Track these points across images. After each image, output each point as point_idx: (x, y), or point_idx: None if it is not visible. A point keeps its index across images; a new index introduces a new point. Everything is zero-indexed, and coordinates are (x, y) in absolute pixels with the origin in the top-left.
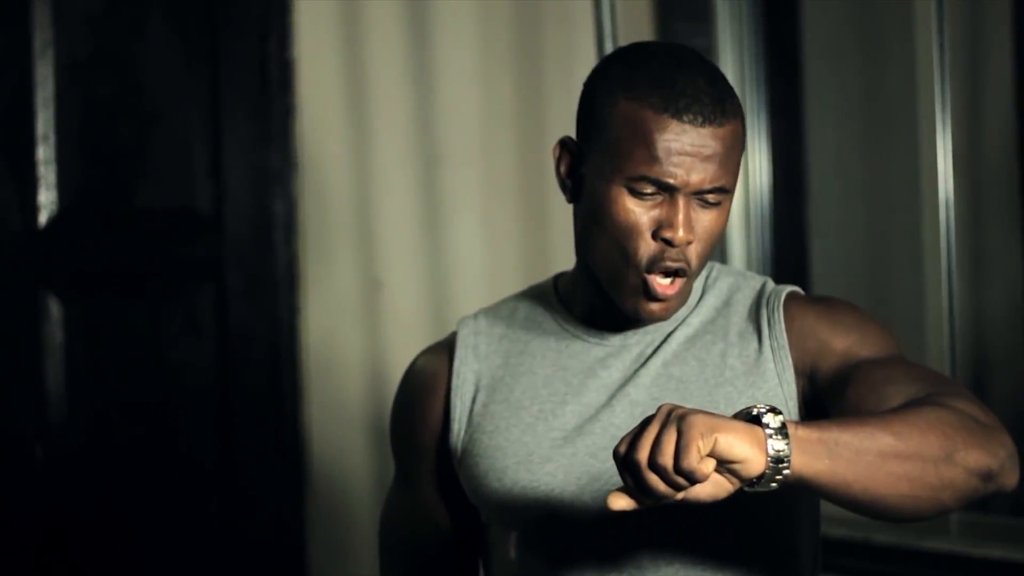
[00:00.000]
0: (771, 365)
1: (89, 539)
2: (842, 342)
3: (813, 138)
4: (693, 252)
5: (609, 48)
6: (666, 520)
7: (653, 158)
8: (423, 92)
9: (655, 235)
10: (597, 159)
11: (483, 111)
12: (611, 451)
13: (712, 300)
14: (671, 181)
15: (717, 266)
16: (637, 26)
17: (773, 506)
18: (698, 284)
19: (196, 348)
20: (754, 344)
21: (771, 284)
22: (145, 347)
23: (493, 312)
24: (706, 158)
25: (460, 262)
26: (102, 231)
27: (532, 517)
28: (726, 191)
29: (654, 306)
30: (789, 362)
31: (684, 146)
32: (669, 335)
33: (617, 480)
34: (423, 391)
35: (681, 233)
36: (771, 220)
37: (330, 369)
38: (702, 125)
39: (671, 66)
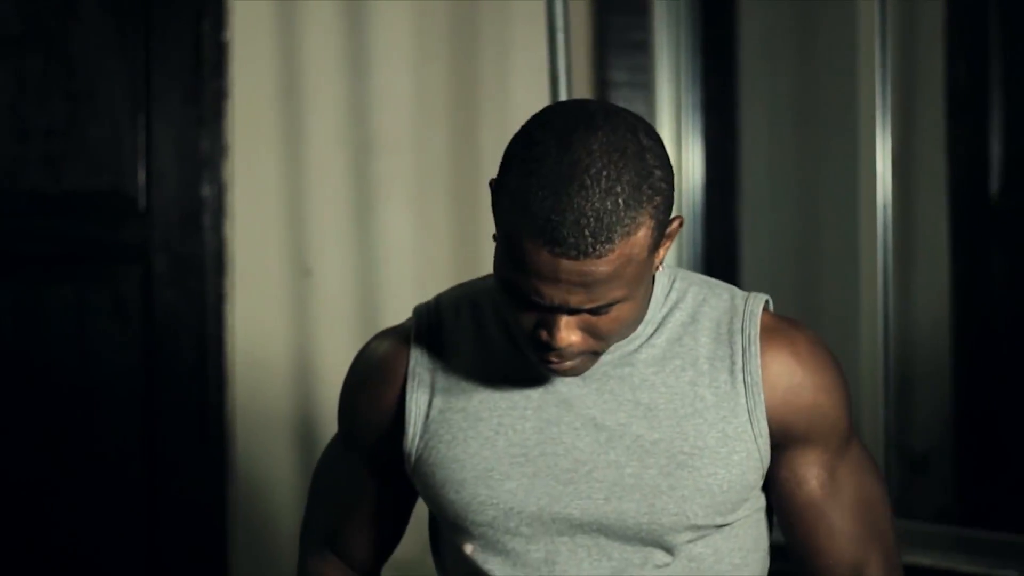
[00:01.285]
0: (743, 400)
1: (7, 520)
2: (813, 436)
3: (747, 137)
4: (587, 346)
5: (560, 40)
6: (629, 548)
7: (525, 276)
8: (357, 78)
9: (535, 333)
10: (498, 232)
11: (417, 99)
12: (574, 473)
13: (679, 316)
14: (542, 301)
15: (680, 273)
16: (574, 21)
17: (731, 545)
18: (659, 296)
19: (121, 332)
20: (724, 374)
21: (739, 298)
22: (70, 330)
23: (450, 305)
24: (583, 284)
25: (390, 251)
26: (29, 210)
27: (489, 532)
28: (617, 302)
29: (560, 373)
30: (762, 399)
31: (557, 274)
32: (632, 353)
33: (578, 503)
34: (378, 377)
35: (556, 341)
36: (703, 218)
37: (256, 355)
38: (576, 258)
39: (562, 180)
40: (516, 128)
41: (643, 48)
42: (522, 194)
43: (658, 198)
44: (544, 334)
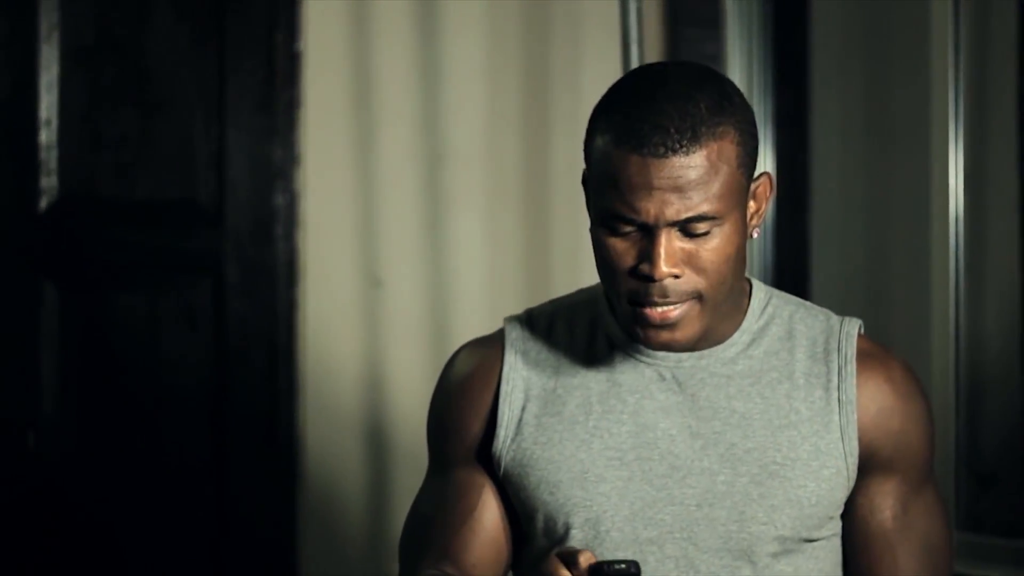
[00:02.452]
0: (836, 417)
1: (79, 528)
2: (896, 464)
3: (818, 149)
4: (691, 284)
5: (635, 52)
6: (716, 562)
7: (620, 194)
8: (429, 89)
9: (636, 271)
10: (590, 195)
11: (489, 110)
12: (668, 479)
13: (775, 330)
14: (638, 217)
15: (776, 292)
16: (647, 33)
17: (812, 566)
18: (756, 309)
19: (192, 341)
20: (819, 391)
21: (834, 320)
22: (141, 338)
23: (542, 316)
24: (675, 189)
25: (461, 262)
26: (102, 219)
27: (579, 536)
28: (710, 218)
29: (664, 334)
30: (855, 418)
31: (648, 179)
32: (728, 362)
33: (670, 509)
34: (472, 380)
35: (658, 269)
36: (773, 231)
37: (327, 365)
38: (664, 156)
39: (642, 95)
40: None
41: (715, 60)
42: (606, 117)
43: (740, 115)
44: (646, 267)
